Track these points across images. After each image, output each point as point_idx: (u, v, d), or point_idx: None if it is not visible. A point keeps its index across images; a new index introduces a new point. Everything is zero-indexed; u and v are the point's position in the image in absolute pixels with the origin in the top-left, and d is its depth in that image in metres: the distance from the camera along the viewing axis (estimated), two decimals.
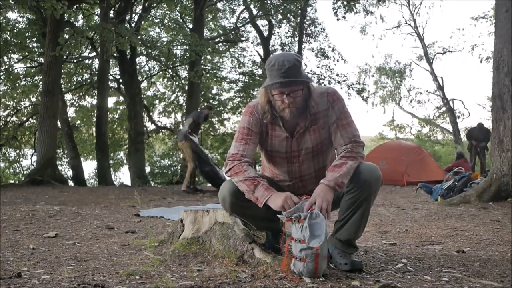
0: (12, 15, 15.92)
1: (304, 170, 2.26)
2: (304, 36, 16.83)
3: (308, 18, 16.91)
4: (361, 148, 2.18)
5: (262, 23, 17.47)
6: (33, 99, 17.00)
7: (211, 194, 7.81)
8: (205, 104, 18.13)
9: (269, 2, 15.40)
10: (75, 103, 18.72)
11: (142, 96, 17.02)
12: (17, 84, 15.88)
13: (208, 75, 16.59)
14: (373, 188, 2.13)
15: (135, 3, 14.19)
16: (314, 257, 1.95)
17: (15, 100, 16.90)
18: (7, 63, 15.29)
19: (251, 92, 16.83)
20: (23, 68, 16.67)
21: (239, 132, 2.24)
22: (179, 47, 15.58)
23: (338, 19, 16.20)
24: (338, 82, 16.92)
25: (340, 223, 2.19)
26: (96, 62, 15.98)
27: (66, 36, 11.69)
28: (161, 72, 18.67)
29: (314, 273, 1.97)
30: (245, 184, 2.09)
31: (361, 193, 2.11)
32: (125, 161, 16.13)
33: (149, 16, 16.02)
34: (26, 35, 14.59)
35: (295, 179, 2.30)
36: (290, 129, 2.22)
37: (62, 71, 13.39)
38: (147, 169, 17.11)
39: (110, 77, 16.08)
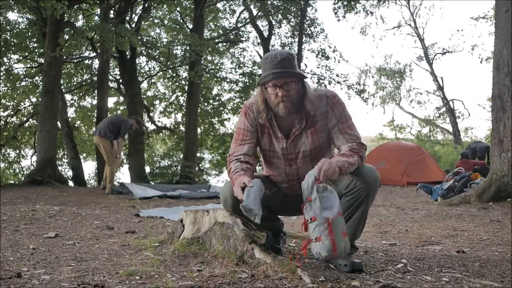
0: (12, 15, 15.92)
1: (301, 172, 2.25)
2: (304, 36, 16.82)
3: (308, 18, 16.90)
4: (364, 151, 2.20)
5: (262, 23, 17.48)
6: (33, 99, 16.98)
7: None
8: (205, 104, 18.15)
9: (269, 2, 15.39)
10: (75, 103, 18.71)
11: (142, 96, 17.02)
12: (17, 85, 15.86)
13: (208, 75, 16.59)
14: (372, 189, 2.14)
15: (135, 3, 14.19)
16: (327, 232, 1.85)
17: (15, 101, 16.89)
18: (7, 63, 15.27)
19: (251, 92, 16.82)
20: (23, 68, 16.66)
21: (236, 133, 2.31)
22: (179, 47, 15.57)
23: (338, 20, 16.21)
24: (338, 82, 16.91)
25: None
26: (96, 62, 15.96)
27: (66, 36, 11.69)
28: (161, 72, 18.66)
29: (332, 250, 1.85)
30: (229, 177, 2.22)
31: (360, 194, 2.11)
32: (125, 161, 16.09)
33: (149, 16, 16.02)
34: (26, 35, 14.58)
35: (292, 181, 2.31)
36: (286, 130, 2.22)
37: (62, 71, 13.37)
38: (147, 169, 17.08)
39: (110, 77, 16.07)
